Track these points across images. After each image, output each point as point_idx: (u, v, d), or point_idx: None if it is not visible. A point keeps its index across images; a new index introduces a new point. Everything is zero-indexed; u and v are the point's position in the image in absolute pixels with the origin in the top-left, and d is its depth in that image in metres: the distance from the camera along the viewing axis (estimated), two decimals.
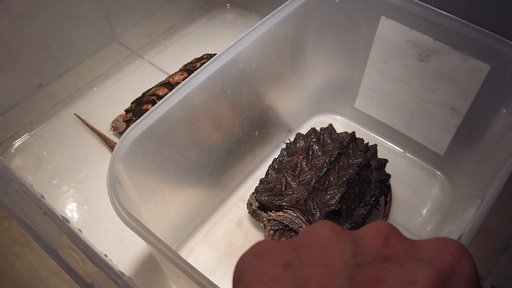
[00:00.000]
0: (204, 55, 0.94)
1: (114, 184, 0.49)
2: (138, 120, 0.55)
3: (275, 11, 0.68)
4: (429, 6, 0.67)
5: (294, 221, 0.65)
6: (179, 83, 0.67)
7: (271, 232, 0.66)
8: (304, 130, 0.80)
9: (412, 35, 0.71)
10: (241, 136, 0.75)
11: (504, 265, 0.72)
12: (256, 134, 0.78)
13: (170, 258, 0.43)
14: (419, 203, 0.77)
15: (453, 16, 0.65)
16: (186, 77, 0.66)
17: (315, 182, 0.66)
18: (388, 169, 0.76)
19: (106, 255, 0.42)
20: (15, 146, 0.86)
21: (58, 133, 0.88)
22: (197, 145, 0.67)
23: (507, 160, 0.53)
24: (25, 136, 0.87)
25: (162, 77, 0.91)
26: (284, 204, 0.66)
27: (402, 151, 0.84)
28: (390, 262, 0.26)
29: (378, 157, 0.76)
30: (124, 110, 0.88)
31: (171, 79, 0.87)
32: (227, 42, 0.64)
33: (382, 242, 0.28)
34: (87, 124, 0.88)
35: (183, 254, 0.72)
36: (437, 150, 0.79)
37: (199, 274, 0.42)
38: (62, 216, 0.41)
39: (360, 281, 0.25)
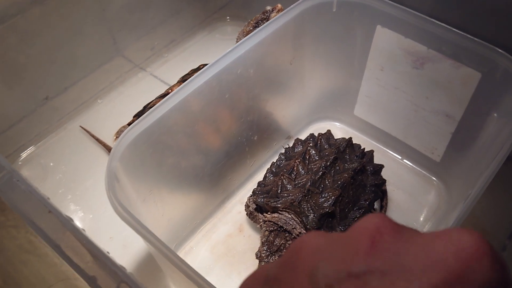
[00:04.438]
0: (200, 65, 0.96)
1: (112, 181, 0.51)
2: (136, 121, 0.57)
3: (271, 20, 0.71)
4: (421, 15, 0.69)
5: (289, 223, 0.67)
6: None
7: (266, 233, 0.68)
8: (303, 136, 0.82)
9: (407, 43, 0.73)
10: (240, 140, 0.77)
11: None
12: (255, 138, 0.80)
13: (163, 253, 0.45)
14: (415, 208, 0.79)
15: (445, 25, 0.67)
16: None
17: (310, 185, 0.68)
18: (385, 174, 0.78)
19: (108, 252, 0.44)
20: (23, 157, 0.88)
21: (64, 144, 0.91)
22: (195, 147, 0.70)
23: (491, 163, 0.55)
24: (32, 148, 0.90)
25: (164, 89, 0.93)
26: (279, 206, 0.68)
27: (400, 157, 0.86)
28: (370, 275, 0.22)
29: (375, 162, 0.78)
30: (127, 124, 0.90)
31: (170, 91, 0.89)
32: None
33: (367, 246, 0.23)
34: (92, 136, 0.91)
35: (181, 253, 0.74)
36: (433, 157, 0.80)
37: (190, 268, 0.44)
38: (66, 215, 0.44)
39: None
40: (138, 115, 0.90)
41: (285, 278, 0.24)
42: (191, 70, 0.96)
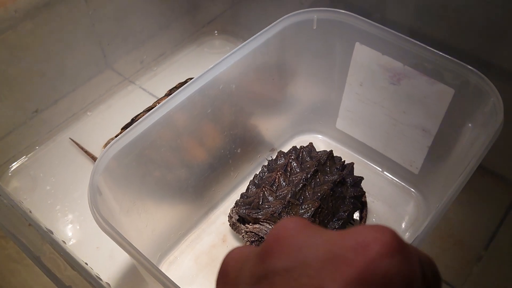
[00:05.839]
0: (187, 79, 0.99)
1: (94, 194, 0.53)
2: (119, 135, 0.60)
3: (253, 36, 0.73)
4: (398, 33, 0.72)
5: None
6: None
7: (248, 243, 0.70)
8: (287, 149, 0.84)
9: (384, 60, 0.75)
10: (223, 152, 0.79)
11: (477, 275, 0.75)
12: (239, 151, 0.82)
13: (143, 265, 0.47)
14: (394, 219, 0.81)
15: (420, 43, 0.70)
16: None
17: (290, 197, 0.70)
18: (366, 186, 0.80)
19: (86, 263, 0.46)
20: (12, 169, 0.90)
21: (53, 156, 0.93)
22: (179, 160, 0.72)
23: (461, 174, 0.58)
24: (22, 159, 0.92)
25: (152, 101, 0.95)
26: (260, 217, 0.70)
27: (380, 169, 0.88)
28: (275, 275, 0.22)
29: (356, 174, 0.80)
30: (115, 136, 0.92)
31: (157, 103, 0.91)
32: None
33: (273, 246, 0.23)
34: (81, 148, 0.93)
35: (166, 263, 0.76)
36: (412, 169, 0.83)
37: (169, 280, 0.46)
38: (46, 228, 0.46)
39: None
40: (126, 127, 0.92)
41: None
42: (179, 84, 0.98)
